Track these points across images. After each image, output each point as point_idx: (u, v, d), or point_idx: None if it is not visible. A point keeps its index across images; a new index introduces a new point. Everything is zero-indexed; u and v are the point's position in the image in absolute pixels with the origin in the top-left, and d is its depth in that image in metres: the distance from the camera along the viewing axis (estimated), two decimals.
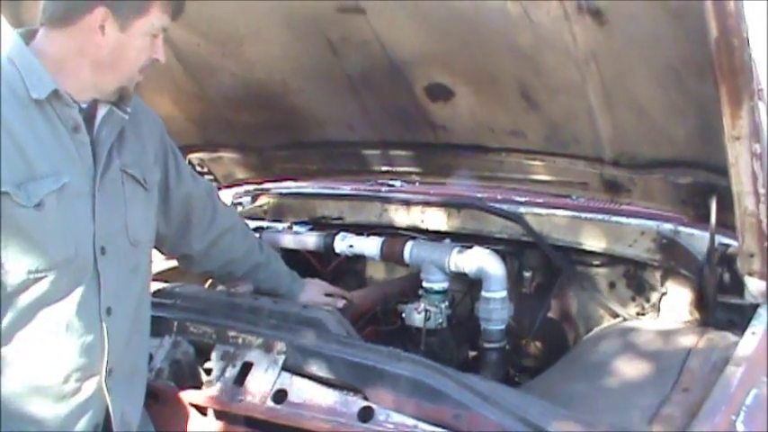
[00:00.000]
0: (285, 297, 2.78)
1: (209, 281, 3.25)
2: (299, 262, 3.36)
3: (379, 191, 3.53)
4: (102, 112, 2.17)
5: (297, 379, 2.18)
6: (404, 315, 2.91)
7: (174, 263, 2.86)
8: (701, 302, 2.55)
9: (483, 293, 2.79)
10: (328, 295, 2.89)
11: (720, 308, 2.41)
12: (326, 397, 2.10)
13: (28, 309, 2.02)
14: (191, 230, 2.63)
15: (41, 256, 2.01)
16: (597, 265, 2.93)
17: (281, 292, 2.81)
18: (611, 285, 2.91)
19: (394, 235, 3.15)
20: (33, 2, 2.53)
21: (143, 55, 2.11)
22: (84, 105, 2.12)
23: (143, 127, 2.35)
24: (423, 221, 3.21)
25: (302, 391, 2.14)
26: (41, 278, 2.02)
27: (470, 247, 2.86)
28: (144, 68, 2.13)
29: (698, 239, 2.57)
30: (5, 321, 2.01)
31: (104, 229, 2.13)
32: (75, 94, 2.08)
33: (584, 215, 2.89)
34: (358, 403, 2.04)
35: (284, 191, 3.71)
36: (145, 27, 2.07)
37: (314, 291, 2.88)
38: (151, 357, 2.37)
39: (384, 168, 3.35)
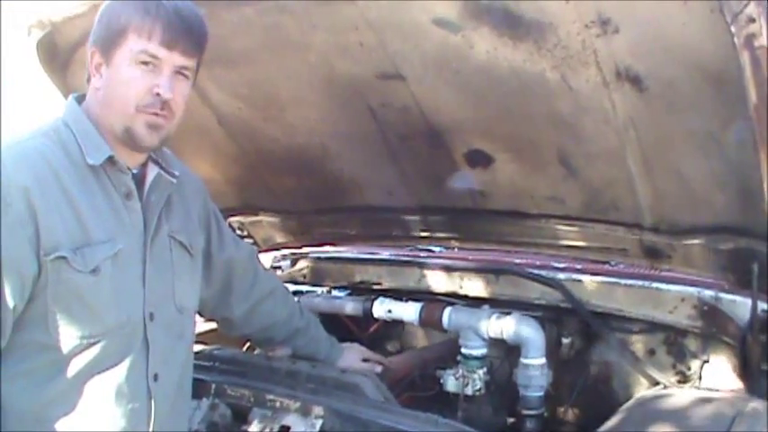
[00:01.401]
0: (324, 362, 2.78)
1: (248, 344, 3.26)
2: (338, 326, 3.36)
3: (418, 256, 3.53)
4: (150, 177, 2.20)
5: None
6: (442, 381, 2.89)
7: (213, 325, 2.87)
8: (743, 370, 2.51)
9: (521, 360, 2.77)
10: (366, 360, 2.88)
11: (764, 376, 2.38)
12: None
13: (79, 374, 2.03)
14: (232, 294, 2.65)
15: (95, 322, 2.02)
16: (637, 332, 2.89)
17: (319, 357, 2.81)
18: (651, 352, 2.88)
19: (432, 300, 3.14)
20: (80, 67, 2.62)
21: (134, 87, 2.06)
22: (135, 171, 2.16)
23: (187, 192, 2.38)
24: (461, 287, 3.20)
25: None
26: (94, 344, 2.03)
27: (509, 314, 2.85)
28: (148, 106, 2.07)
29: (740, 306, 2.54)
30: (57, 387, 2.02)
31: (153, 295, 2.15)
32: (127, 160, 2.12)
33: (623, 281, 2.87)
34: None
35: (323, 255, 3.73)
36: (125, 55, 2.05)
37: (352, 356, 2.88)
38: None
39: (423, 234, 3.36)
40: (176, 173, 2.25)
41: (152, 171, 2.21)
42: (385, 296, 3.19)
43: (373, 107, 2.74)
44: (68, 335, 1.99)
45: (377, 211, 3.31)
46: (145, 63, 2.05)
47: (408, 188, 3.10)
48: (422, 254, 3.62)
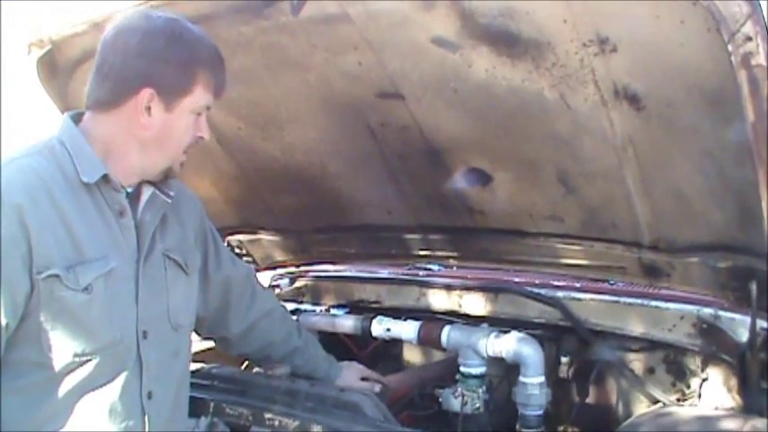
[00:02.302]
0: (322, 381, 2.77)
1: (246, 362, 3.25)
2: (336, 345, 3.36)
3: (417, 275, 3.53)
4: (145, 196, 2.21)
5: None
6: (441, 399, 2.89)
7: (211, 343, 2.87)
8: (743, 388, 2.51)
9: (521, 378, 2.76)
10: (365, 379, 2.88)
11: (764, 394, 2.37)
12: None
13: (72, 392, 2.03)
14: (229, 313, 2.65)
15: (87, 340, 2.02)
16: (636, 350, 2.89)
17: (318, 376, 2.81)
18: (651, 371, 2.88)
19: (431, 319, 3.14)
20: (80, 85, 2.63)
21: (188, 134, 2.15)
22: (129, 190, 2.16)
23: (184, 210, 2.39)
24: (460, 306, 3.20)
25: None
26: (86, 361, 2.03)
27: (508, 332, 2.85)
28: (189, 147, 2.17)
29: (739, 324, 2.54)
30: (51, 404, 2.02)
31: (147, 313, 2.15)
32: (122, 178, 2.12)
33: (622, 300, 2.87)
34: None
35: (322, 274, 3.73)
36: (189, 106, 2.11)
37: (351, 375, 2.88)
38: None
39: (422, 252, 3.36)
40: (171, 192, 2.26)
41: (147, 190, 2.22)
42: (384, 315, 3.19)
43: (372, 126, 2.75)
44: (61, 353, 2.00)
45: (376, 229, 3.31)
46: (199, 113, 2.14)
47: (407, 207, 3.10)
48: (421, 272, 3.61)
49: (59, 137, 2.12)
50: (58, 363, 2.00)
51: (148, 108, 2.07)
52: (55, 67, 2.81)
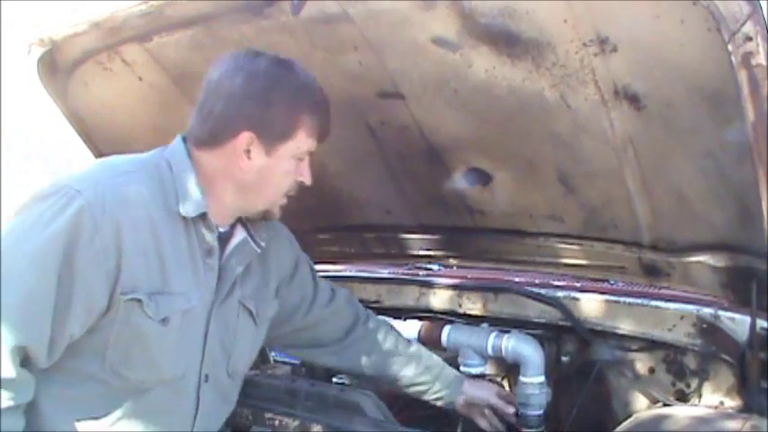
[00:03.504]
0: (446, 396, 2.70)
1: None
2: None
3: (417, 275, 3.53)
4: (236, 240, 2.19)
5: None
6: None
7: None
8: (743, 388, 2.51)
9: (521, 378, 2.77)
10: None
11: (763, 393, 2.38)
12: None
13: (120, 415, 2.01)
14: (343, 343, 2.65)
15: (151, 370, 2.02)
16: (636, 350, 2.89)
17: (441, 388, 2.70)
18: (651, 370, 2.87)
19: (431, 319, 3.14)
20: (81, 85, 2.63)
21: (288, 178, 2.13)
22: (222, 230, 2.14)
23: (272, 257, 2.36)
24: (460, 305, 3.20)
25: None
26: (145, 390, 2.02)
27: (508, 332, 2.86)
28: (289, 191, 2.15)
29: (739, 324, 2.53)
30: (100, 422, 2.00)
31: (211, 356, 2.14)
32: (217, 217, 2.10)
33: (622, 299, 2.86)
34: None
35: (322, 274, 3.72)
36: (291, 151, 2.09)
37: (479, 392, 2.74)
38: None
39: (422, 252, 3.36)
40: (263, 243, 2.24)
41: (239, 234, 2.20)
42: (384, 315, 3.19)
43: (372, 126, 2.75)
44: (122, 375, 1.99)
45: (376, 229, 3.31)
46: (300, 158, 2.12)
47: (407, 206, 3.10)
48: (421, 272, 3.61)
49: (169, 158, 2.10)
50: (116, 383, 1.99)
51: (248, 151, 2.06)
52: (55, 67, 2.81)
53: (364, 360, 2.65)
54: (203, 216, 2.07)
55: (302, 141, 2.11)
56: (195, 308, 2.07)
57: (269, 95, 2.06)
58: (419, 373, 2.68)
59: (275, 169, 2.10)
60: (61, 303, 1.87)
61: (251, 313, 2.28)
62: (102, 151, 3.15)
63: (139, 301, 1.94)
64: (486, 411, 2.71)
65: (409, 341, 2.77)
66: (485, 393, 2.72)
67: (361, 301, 3.44)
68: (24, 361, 1.88)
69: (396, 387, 2.69)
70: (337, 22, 2.32)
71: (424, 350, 2.77)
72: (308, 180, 2.19)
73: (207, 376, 2.14)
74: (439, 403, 2.72)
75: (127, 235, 1.91)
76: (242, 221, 2.23)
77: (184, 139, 2.14)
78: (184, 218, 2.04)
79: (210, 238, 2.10)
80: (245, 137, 2.05)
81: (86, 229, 1.87)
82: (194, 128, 2.11)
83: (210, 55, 2.45)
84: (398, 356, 2.68)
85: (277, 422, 2.40)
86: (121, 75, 2.81)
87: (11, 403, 1.85)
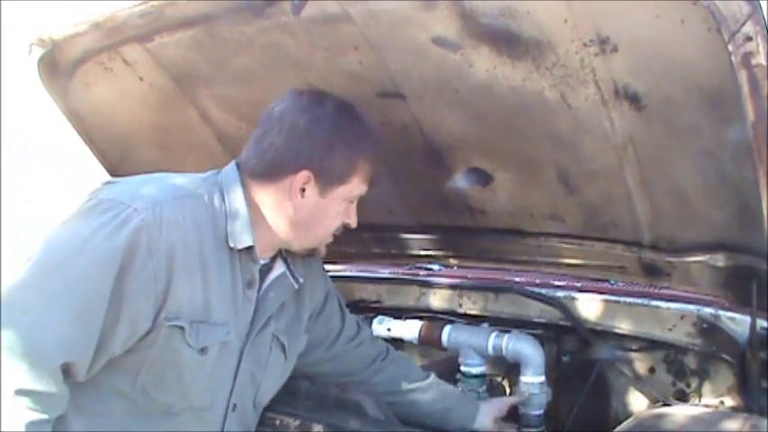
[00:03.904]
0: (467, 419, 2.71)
1: None
2: None
3: (418, 274, 3.53)
4: (275, 273, 2.20)
5: None
6: None
7: None
8: (743, 388, 2.52)
9: (521, 378, 2.77)
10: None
11: (763, 393, 2.38)
12: None
13: None
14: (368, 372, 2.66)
15: (181, 396, 2.01)
16: (636, 350, 2.89)
17: (457, 415, 2.71)
18: (651, 370, 2.88)
19: (432, 319, 3.15)
20: (81, 85, 2.62)
21: (338, 220, 2.17)
22: (263, 261, 2.15)
23: (306, 292, 2.36)
24: (461, 305, 3.20)
25: None
26: (172, 415, 2.02)
27: (508, 332, 2.86)
28: (336, 231, 2.19)
29: (739, 323, 2.53)
30: None
31: (241, 387, 2.14)
32: (261, 249, 2.10)
33: (622, 299, 2.87)
34: None
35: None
36: (344, 194, 2.13)
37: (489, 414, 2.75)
38: None
39: (422, 252, 3.36)
40: (301, 280, 2.25)
41: (278, 267, 2.21)
42: (384, 314, 3.19)
43: None
44: (152, 396, 1.98)
45: (376, 229, 3.30)
46: (351, 201, 2.17)
47: (408, 206, 3.10)
48: (421, 272, 3.61)
49: (222, 184, 2.10)
50: (144, 403, 1.99)
51: (303, 190, 2.08)
52: (56, 67, 2.81)
53: (385, 390, 2.65)
54: (249, 247, 2.07)
55: (356, 186, 2.15)
56: (233, 339, 2.08)
57: (332, 140, 2.09)
58: (436, 402, 2.70)
59: (327, 210, 2.14)
60: (108, 322, 1.86)
61: (283, 347, 2.29)
62: (102, 151, 3.15)
63: (182, 328, 1.94)
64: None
65: (428, 373, 2.77)
66: (500, 409, 2.76)
67: (362, 301, 3.46)
68: (64, 375, 1.86)
69: (414, 417, 2.68)
70: (337, 22, 2.32)
71: (441, 383, 2.78)
72: (353, 223, 2.24)
73: (235, 406, 2.15)
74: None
75: (178, 260, 1.91)
76: (282, 254, 2.24)
77: (238, 166, 2.14)
78: (231, 248, 2.05)
79: (254, 270, 2.11)
80: (303, 175, 2.07)
81: (142, 251, 1.86)
82: (251, 158, 2.13)
83: (210, 55, 2.46)
84: (418, 388, 2.69)
85: (278, 422, 2.40)
86: (122, 75, 2.81)
87: (45, 416, 1.83)
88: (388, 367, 2.68)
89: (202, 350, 1.99)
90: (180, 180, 2.10)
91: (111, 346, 1.88)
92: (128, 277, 1.86)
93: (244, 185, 2.12)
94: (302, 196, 2.09)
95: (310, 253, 2.25)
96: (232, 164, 2.18)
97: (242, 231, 2.06)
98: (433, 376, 2.75)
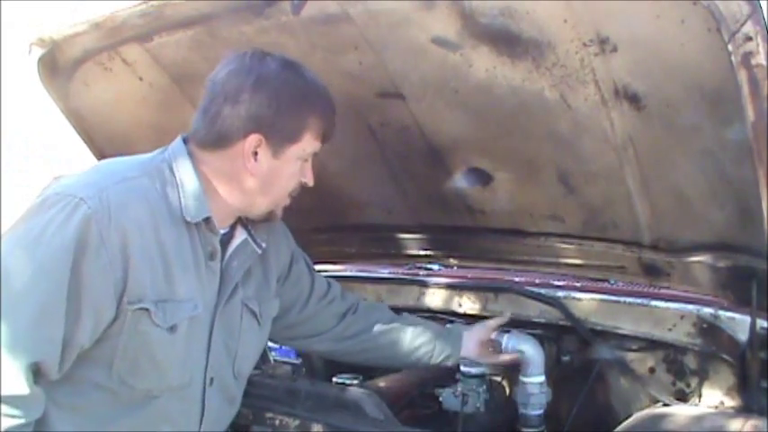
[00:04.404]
0: (452, 351, 2.78)
1: None
2: None
3: (417, 275, 3.53)
4: (237, 241, 2.18)
5: None
6: (441, 399, 2.88)
7: None
8: (743, 388, 2.52)
9: (521, 378, 2.77)
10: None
11: (763, 393, 2.38)
12: None
13: (132, 425, 2.01)
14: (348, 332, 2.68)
15: (158, 378, 2.01)
16: (636, 350, 2.89)
17: (445, 354, 2.75)
18: (651, 370, 2.88)
19: (431, 318, 3.14)
20: (81, 85, 2.62)
21: (293, 180, 2.14)
22: (223, 231, 2.14)
23: (272, 256, 2.35)
24: (460, 305, 3.20)
25: None
26: (152, 398, 2.02)
27: (508, 332, 2.86)
28: (293, 192, 2.16)
29: (739, 323, 2.53)
30: (102, 429, 1.99)
31: (216, 360, 2.14)
32: (219, 219, 2.09)
33: (622, 299, 2.86)
34: None
35: (322, 273, 3.73)
36: (298, 153, 2.10)
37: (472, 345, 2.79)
38: None
39: (422, 252, 3.36)
40: (263, 244, 2.24)
41: (239, 235, 2.20)
42: None
43: (373, 126, 2.75)
44: (129, 384, 1.98)
45: (376, 229, 3.31)
46: (305, 160, 2.13)
47: (407, 206, 3.10)
48: (421, 272, 3.62)
49: (170, 160, 2.08)
50: (123, 392, 1.99)
51: (255, 153, 2.06)
52: (56, 67, 2.81)
53: (362, 340, 2.68)
54: (206, 219, 2.06)
55: (309, 143, 2.12)
56: (200, 313, 2.07)
57: (279, 99, 2.05)
58: (416, 336, 2.71)
59: (282, 171, 2.11)
60: (71, 316, 1.86)
61: (254, 314, 2.28)
62: (102, 151, 3.15)
63: (147, 310, 1.94)
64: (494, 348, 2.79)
65: (401, 313, 2.80)
66: (483, 332, 2.79)
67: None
68: (36, 374, 1.87)
69: (398, 360, 2.72)
70: (337, 22, 2.32)
71: (417, 318, 2.81)
72: (311, 181, 2.20)
73: (212, 380, 2.14)
74: (449, 363, 2.76)
75: (133, 243, 1.90)
76: (242, 222, 2.22)
77: (185, 140, 2.13)
78: (188, 222, 2.03)
79: (213, 241, 2.09)
80: (254, 139, 2.04)
81: (93, 240, 1.86)
82: (199, 129, 2.10)
83: (210, 55, 2.46)
84: (393, 327, 2.71)
85: (277, 422, 2.40)
86: (122, 75, 2.81)
87: (22, 420, 1.84)
88: (360, 319, 2.69)
89: (171, 328, 1.99)
90: (126, 163, 2.10)
91: (78, 339, 1.88)
92: (83, 268, 1.86)
93: (192, 157, 2.09)
94: (255, 160, 2.06)
95: (268, 217, 2.22)
96: (178, 138, 2.15)
97: (196, 204, 2.04)
98: (407, 314, 2.78)
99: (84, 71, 2.83)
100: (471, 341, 2.76)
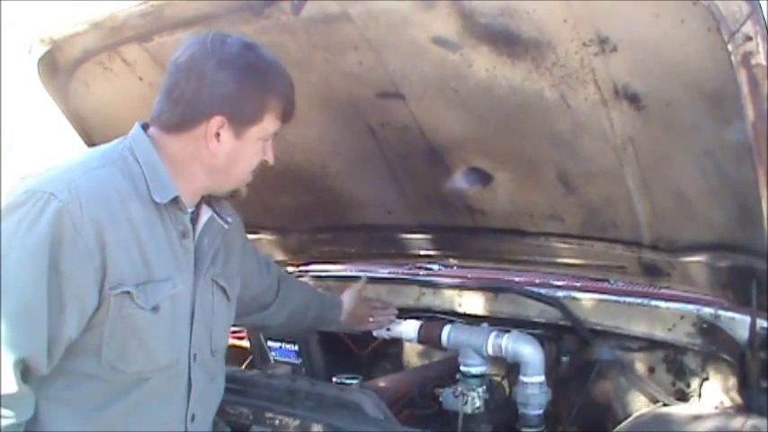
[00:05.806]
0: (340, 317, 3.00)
1: (246, 362, 3.26)
2: (337, 344, 3.37)
3: (417, 274, 3.53)
4: (204, 218, 2.21)
5: None
6: (441, 399, 2.89)
7: None
8: (743, 388, 2.51)
9: (521, 378, 2.77)
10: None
11: (763, 393, 2.38)
12: None
13: (122, 409, 2.03)
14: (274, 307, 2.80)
15: (148, 360, 2.03)
16: (636, 350, 2.89)
17: (330, 315, 2.98)
18: (651, 370, 2.88)
19: (431, 318, 3.15)
20: (81, 85, 2.62)
21: (255, 159, 2.16)
22: (190, 210, 2.16)
23: (231, 234, 2.38)
24: (460, 305, 3.20)
25: None
26: (143, 380, 2.04)
27: (508, 332, 2.86)
28: (255, 170, 2.18)
29: (739, 323, 2.53)
30: (103, 418, 2.01)
31: (197, 336, 2.16)
32: (187, 198, 2.11)
33: (622, 299, 2.87)
34: None
35: (322, 274, 3.73)
36: (259, 133, 2.12)
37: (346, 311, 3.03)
38: None
39: (422, 252, 3.36)
40: (230, 219, 2.27)
41: (205, 213, 2.22)
42: None
43: (373, 126, 2.75)
44: (120, 369, 2.00)
45: (376, 229, 3.31)
46: (266, 139, 2.15)
47: (408, 206, 3.10)
48: (421, 272, 3.62)
49: (131, 148, 2.10)
50: (114, 379, 2.00)
51: (218, 134, 2.07)
52: (56, 67, 2.82)
53: (291, 309, 2.84)
54: (175, 199, 2.08)
55: (270, 124, 2.13)
56: (181, 291, 2.09)
57: (241, 81, 2.06)
58: (319, 309, 2.97)
59: (244, 151, 2.13)
60: (54, 309, 1.87)
61: (224, 290, 2.31)
62: None
63: (128, 293, 1.95)
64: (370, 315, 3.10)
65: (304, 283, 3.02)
66: (349, 303, 3.04)
67: None
68: (24, 372, 1.88)
69: (300, 328, 3.05)
70: (337, 22, 2.32)
71: (303, 284, 3.09)
72: (271, 159, 2.22)
73: (195, 356, 2.16)
74: (335, 328, 3.07)
75: (107, 230, 1.92)
76: (206, 200, 2.24)
77: (145, 126, 2.15)
78: (157, 204, 2.05)
79: (184, 220, 2.12)
80: (217, 120, 2.06)
81: (68, 232, 1.87)
82: (163, 113, 2.11)
83: None
84: (298, 296, 2.91)
85: (277, 422, 2.40)
86: (122, 74, 2.81)
87: (12, 420, 1.85)
88: (289, 290, 2.85)
89: (155, 308, 2.01)
90: (88, 155, 2.13)
91: (66, 331, 1.90)
92: (61, 260, 1.87)
93: (154, 141, 2.11)
94: (218, 141, 2.08)
95: (232, 195, 2.24)
96: (136, 125, 2.17)
97: (164, 186, 2.06)
98: (292, 278, 3.07)
99: (84, 71, 2.83)
100: (345, 312, 3.02)
